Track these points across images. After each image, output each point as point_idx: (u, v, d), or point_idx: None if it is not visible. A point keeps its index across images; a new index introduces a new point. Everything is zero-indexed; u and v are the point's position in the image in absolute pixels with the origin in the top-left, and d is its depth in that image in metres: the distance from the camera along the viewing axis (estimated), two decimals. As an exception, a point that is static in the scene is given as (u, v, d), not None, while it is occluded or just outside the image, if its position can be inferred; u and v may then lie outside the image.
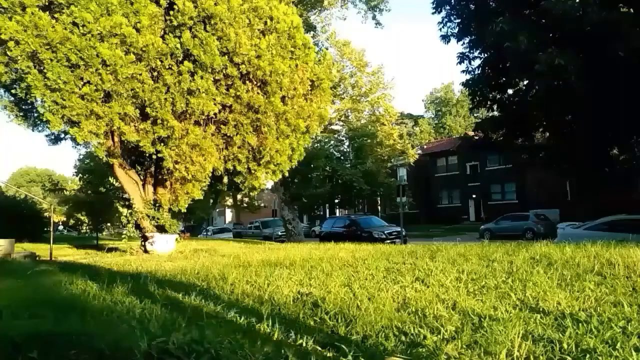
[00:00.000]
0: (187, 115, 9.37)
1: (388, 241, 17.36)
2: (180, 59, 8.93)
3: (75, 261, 8.52)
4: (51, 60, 8.11)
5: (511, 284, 2.85)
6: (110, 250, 11.80)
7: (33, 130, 11.31)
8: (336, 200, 32.96)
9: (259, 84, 9.75)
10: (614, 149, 18.02)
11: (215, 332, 1.98)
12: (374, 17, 22.48)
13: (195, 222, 37.85)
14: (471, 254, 4.76)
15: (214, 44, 8.80)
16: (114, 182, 11.42)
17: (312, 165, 22.09)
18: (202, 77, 8.93)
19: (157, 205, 10.73)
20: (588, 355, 1.53)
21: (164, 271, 4.52)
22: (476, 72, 18.05)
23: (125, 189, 10.89)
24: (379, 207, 37.53)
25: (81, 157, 22.57)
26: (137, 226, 10.82)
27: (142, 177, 11.30)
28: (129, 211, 10.59)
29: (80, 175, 24.00)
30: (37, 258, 11.23)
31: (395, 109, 32.05)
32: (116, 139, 10.17)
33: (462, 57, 18.05)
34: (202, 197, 11.74)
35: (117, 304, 2.81)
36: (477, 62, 18.13)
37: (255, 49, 9.25)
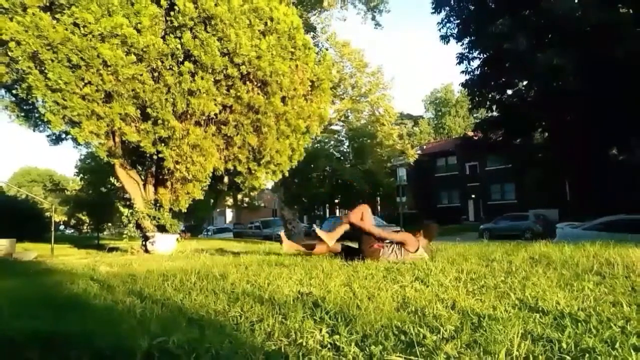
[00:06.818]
0: (188, 116, 9.40)
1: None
2: (181, 59, 8.94)
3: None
4: (52, 60, 8.13)
5: (510, 284, 2.85)
6: (111, 250, 11.82)
7: (34, 131, 11.32)
8: (336, 200, 32.95)
9: (259, 85, 9.77)
10: (613, 149, 18.05)
11: (216, 331, 1.98)
12: (373, 18, 22.59)
13: (195, 222, 37.84)
14: (470, 254, 4.77)
15: (214, 45, 8.82)
16: (115, 182, 11.42)
17: (312, 165, 22.11)
18: (202, 78, 8.96)
19: (157, 205, 10.75)
20: (587, 355, 1.54)
21: (164, 270, 4.54)
22: (476, 73, 18.08)
23: (126, 189, 10.90)
24: (379, 207, 37.55)
25: (82, 157, 22.67)
26: (138, 226, 10.83)
27: (143, 177, 11.31)
28: (130, 211, 10.61)
29: (81, 175, 24.06)
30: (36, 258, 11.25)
31: (394, 109, 32.09)
32: (117, 139, 10.18)
33: (461, 58, 18.10)
34: (202, 197, 11.75)
35: (118, 304, 2.82)
36: (477, 62, 18.17)
37: (256, 50, 9.27)
